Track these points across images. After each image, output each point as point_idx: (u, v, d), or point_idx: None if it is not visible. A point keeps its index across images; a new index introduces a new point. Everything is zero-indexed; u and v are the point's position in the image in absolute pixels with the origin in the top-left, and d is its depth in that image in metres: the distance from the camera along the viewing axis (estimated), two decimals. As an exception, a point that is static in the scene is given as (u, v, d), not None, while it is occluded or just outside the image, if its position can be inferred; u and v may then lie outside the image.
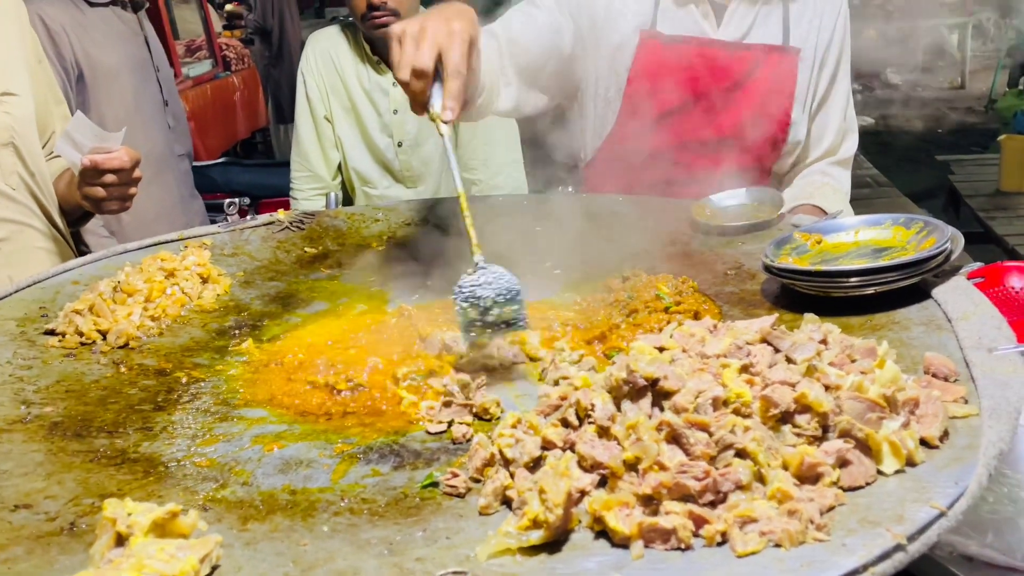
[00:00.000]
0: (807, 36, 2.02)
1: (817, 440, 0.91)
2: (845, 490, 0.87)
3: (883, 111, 8.65)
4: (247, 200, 3.93)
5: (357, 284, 1.70)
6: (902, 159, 8.25)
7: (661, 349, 1.05)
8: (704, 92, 1.99)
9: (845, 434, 0.90)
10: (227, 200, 2.04)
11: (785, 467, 0.88)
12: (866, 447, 0.89)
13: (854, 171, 2.25)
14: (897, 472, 0.89)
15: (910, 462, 0.89)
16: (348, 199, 2.94)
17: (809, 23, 2.01)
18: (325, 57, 2.79)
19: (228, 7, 9.35)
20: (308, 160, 2.87)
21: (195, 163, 3.72)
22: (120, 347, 1.40)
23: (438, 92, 1.38)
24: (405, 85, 1.39)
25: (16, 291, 1.57)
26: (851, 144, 2.14)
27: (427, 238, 1.89)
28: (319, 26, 3.35)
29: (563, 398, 1.01)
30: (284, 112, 8.10)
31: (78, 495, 0.97)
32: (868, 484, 0.88)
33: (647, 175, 2.08)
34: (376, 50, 2.75)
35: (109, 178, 1.90)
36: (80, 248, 2.28)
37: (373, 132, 2.80)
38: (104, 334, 1.41)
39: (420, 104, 1.40)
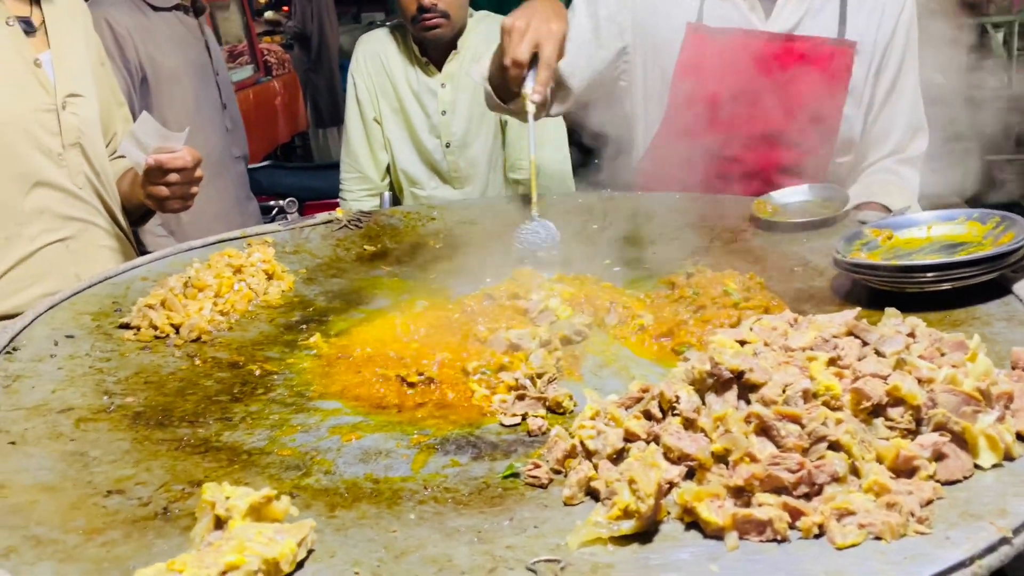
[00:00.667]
0: (865, 29, 1.98)
1: (911, 434, 0.90)
2: (942, 484, 0.85)
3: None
4: (294, 202, 3.98)
5: (417, 280, 1.71)
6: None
7: (742, 343, 1.04)
8: (750, 85, 1.96)
9: (940, 427, 0.88)
10: (287, 199, 2.06)
11: (880, 460, 0.87)
12: (962, 441, 0.88)
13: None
14: (995, 466, 0.87)
15: (1008, 456, 0.88)
16: (396, 200, 2.96)
17: (868, 16, 1.97)
18: (375, 59, 2.82)
19: (268, 14, 9.49)
20: (358, 161, 2.90)
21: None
22: (193, 340, 1.43)
23: (531, 78, 1.71)
24: (506, 70, 1.72)
25: (89, 286, 1.60)
26: (921, 142, 2.08)
27: (483, 235, 1.90)
28: (356, 31, 3.39)
29: (644, 390, 1.01)
30: (323, 116, 8.20)
31: (167, 481, 0.98)
32: (965, 478, 0.86)
33: (697, 170, 2.06)
34: (425, 51, 2.77)
35: (172, 177, 1.94)
36: (139, 247, 2.32)
37: (421, 133, 2.82)
38: (177, 328, 1.44)
39: (516, 86, 1.73)
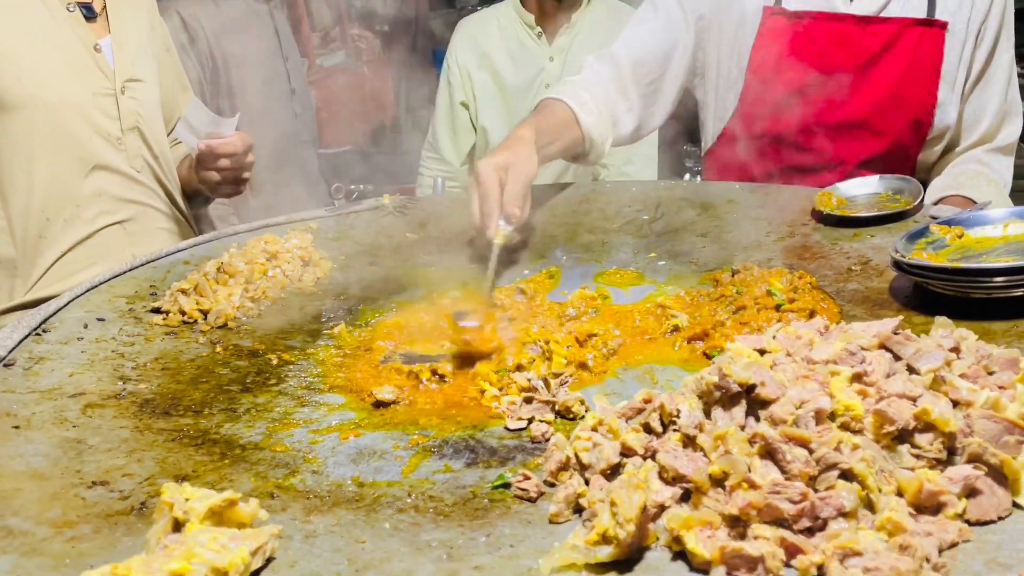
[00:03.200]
0: (958, 8, 1.81)
1: (941, 464, 0.79)
2: (971, 524, 0.75)
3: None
4: (371, 186, 4.01)
5: (454, 270, 1.66)
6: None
7: (762, 352, 0.94)
8: (833, 70, 1.83)
9: (975, 458, 0.77)
10: (334, 186, 2.05)
11: (900, 493, 0.76)
12: (1000, 475, 0.76)
13: (1016, 161, 2.01)
14: (1038, 507, 0.75)
15: (1055, 496, 0.76)
16: None
17: None
18: (471, 42, 2.80)
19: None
20: (438, 142, 2.90)
21: (321, 149, 3.82)
22: (219, 327, 1.42)
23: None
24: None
25: (131, 269, 1.62)
26: (1014, 129, 1.91)
27: (526, 225, 1.84)
28: (451, 16, 3.37)
29: (647, 400, 0.93)
30: (412, 102, 8.26)
31: (154, 475, 0.97)
32: (1000, 519, 0.75)
33: (770, 161, 1.95)
34: (539, 20, 2.72)
35: (223, 163, 1.95)
36: (203, 230, 2.37)
37: (519, 106, 2.74)
38: (205, 313, 1.44)
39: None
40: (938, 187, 1.91)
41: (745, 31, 1.92)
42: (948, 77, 1.84)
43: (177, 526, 0.79)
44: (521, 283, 1.55)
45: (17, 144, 1.88)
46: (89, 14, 1.94)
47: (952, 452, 0.79)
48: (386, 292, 1.59)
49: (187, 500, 0.79)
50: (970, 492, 0.76)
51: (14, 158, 1.89)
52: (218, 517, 0.80)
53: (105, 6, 1.98)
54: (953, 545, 0.72)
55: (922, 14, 1.81)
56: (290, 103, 3.06)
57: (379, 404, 1.14)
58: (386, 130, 8.35)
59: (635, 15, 2.07)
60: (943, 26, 1.80)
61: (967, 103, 1.90)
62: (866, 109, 1.86)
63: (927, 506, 0.76)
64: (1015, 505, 0.76)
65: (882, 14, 1.83)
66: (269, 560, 0.79)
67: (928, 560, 0.70)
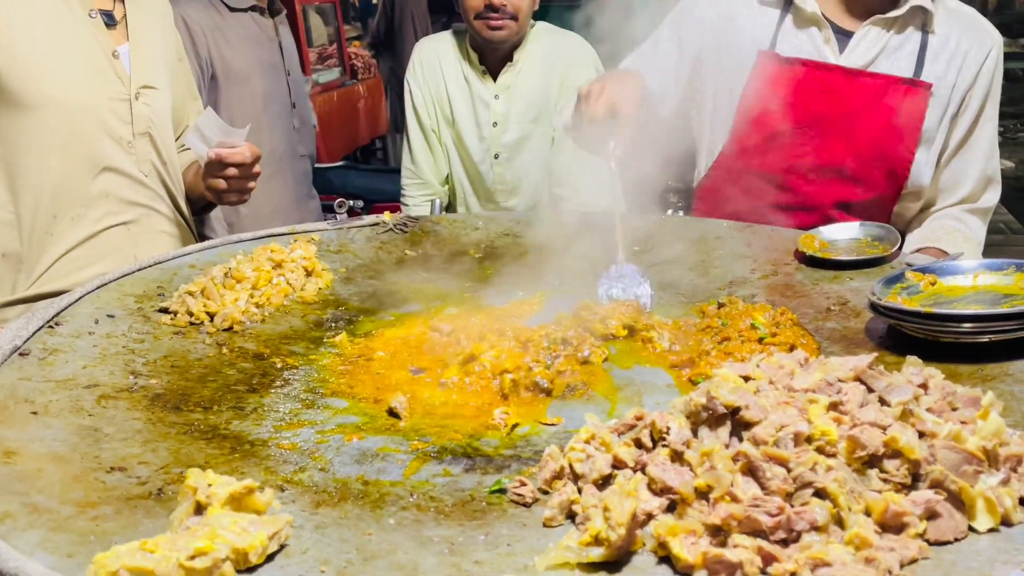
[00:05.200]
0: (944, 74, 1.90)
1: (905, 488, 0.86)
2: (931, 544, 0.82)
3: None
4: (360, 203, 4.07)
5: (452, 288, 1.73)
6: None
7: (746, 379, 1.02)
8: (817, 117, 1.93)
9: (937, 484, 0.85)
10: (337, 200, 2.11)
11: (868, 513, 0.84)
12: (959, 501, 0.84)
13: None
14: (990, 531, 0.83)
15: (1006, 521, 0.83)
16: (453, 207, 2.99)
17: (949, 61, 1.89)
18: (432, 64, 2.81)
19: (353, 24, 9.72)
20: (417, 166, 2.91)
21: (316, 165, 3.88)
22: (225, 330, 1.47)
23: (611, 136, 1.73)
24: (585, 130, 1.78)
25: (139, 269, 1.67)
26: (993, 195, 2.00)
27: (523, 249, 1.91)
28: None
29: (639, 418, 1.00)
30: (400, 120, 8.36)
31: (168, 464, 1.02)
32: (957, 540, 0.82)
33: (755, 198, 2.03)
34: (482, 60, 2.76)
35: (231, 171, 2.01)
36: (202, 235, 2.41)
37: (470, 143, 2.81)
38: (212, 316, 1.49)
39: (598, 146, 1.75)
40: (916, 239, 2.00)
41: (740, 71, 2.01)
42: (927, 137, 1.92)
43: (199, 509, 0.84)
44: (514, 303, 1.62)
45: (31, 143, 1.93)
46: (110, 21, 2.00)
47: (916, 478, 0.87)
48: (385, 305, 1.66)
49: (210, 485, 0.85)
50: (931, 515, 0.83)
51: (28, 156, 1.94)
52: (237, 503, 0.86)
53: (125, 14, 2.05)
54: (913, 561, 0.79)
55: (909, 74, 1.91)
56: (290, 116, 3.12)
57: (391, 413, 1.20)
58: (377, 146, 8.41)
59: (637, 50, 2.15)
60: (927, 87, 1.90)
61: (947, 168, 1.97)
62: (845, 157, 1.96)
63: (891, 525, 0.83)
64: (970, 528, 0.84)
65: (870, 69, 1.93)
66: (283, 546, 0.85)
67: (890, 572, 0.77)
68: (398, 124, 8.37)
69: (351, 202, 3.09)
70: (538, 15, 2.79)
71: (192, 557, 0.76)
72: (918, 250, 1.92)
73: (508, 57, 2.74)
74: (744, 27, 1.99)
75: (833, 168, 1.96)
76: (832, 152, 1.96)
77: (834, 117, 1.94)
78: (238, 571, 0.80)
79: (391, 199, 4.32)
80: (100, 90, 1.96)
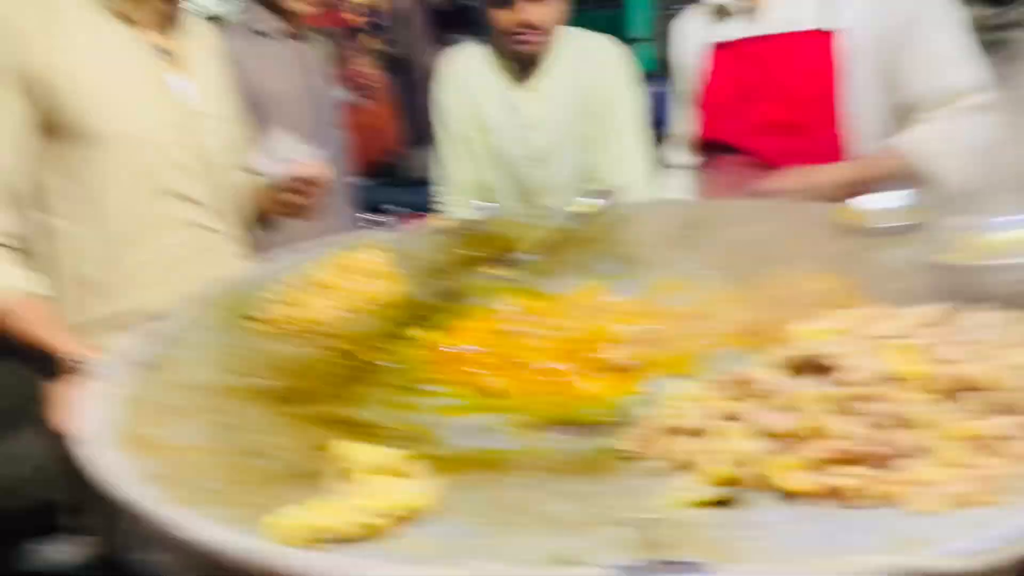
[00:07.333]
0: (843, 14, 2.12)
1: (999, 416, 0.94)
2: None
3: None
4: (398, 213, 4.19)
5: (517, 284, 1.82)
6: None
7: (828, 330, 1.10)
8: (752, 86, 2.24)
9: (1025, 411, 0.92)
10: (376, 212, 2.22)
11: (962, 439, 0.91)
12: (1047, 425, 0.91)
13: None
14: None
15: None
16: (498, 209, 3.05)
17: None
18: (461, 75, 2.89)
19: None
20: (448, 176, 2.99)
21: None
22: (314, 332, 1.57)
23: None
24: None
25: (223, 285, 1.78)
26: (968, 78, 2.06)
27: (578, 243, 2.00)
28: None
29: (727, 373, 1.08)
30: (417, 135, 8.46)
31: (299, 446, 1.11)
32: (1047, 459, 0.90)
33: (736, 171, 2.23)
34: (512, 66, 2.82)
35: (302, 187, 2.12)
36: (261, 252, 2.52)
37: (505, 149, 2.88)
38: (301, 321, 1.59)
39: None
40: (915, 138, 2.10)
41: (692, 71, 2.41)
42: (848, 77, 2.11)
43: (347, 477, 0.93)
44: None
45: (98, 173, 2.03)
46: (167, 54, 2.11)
47: (1007, 409, 0.94)
48: (462, 301, 1.75)
49: (356, 454, 0.94)
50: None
51: (95, 186, 2.04)
52: (383, 471, 0.94)
53: (182, 48, 2.16)
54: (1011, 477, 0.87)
55: (813, 26, 2.15)
56: (334, 138, 3.22)
57: (490, 394, 1.29)
58: (390, 164, 8.54)
59: None
60: (830, 34, 2.12)
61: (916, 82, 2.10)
62: (785, 116, 2.20)
63: (984, 449, 0.90)
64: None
65: (777, 32, 2.20)
66: (429, 507, 0.93)
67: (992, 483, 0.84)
68: (413, 139, 8.49)
69: (392, 211, 3.21)
70: (571, 18, 2.86)
71: (363, 513, 0.84)
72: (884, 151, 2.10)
73: (538, 62, 2.83)
74: (689, 33, 2.45)
75: (779, 126, 2.20)
76: (772, 116, 2.21)
77: (763, 83, 2.23)
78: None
79: (415, 210, 4.44)
80: (165, 121, 2.07)
